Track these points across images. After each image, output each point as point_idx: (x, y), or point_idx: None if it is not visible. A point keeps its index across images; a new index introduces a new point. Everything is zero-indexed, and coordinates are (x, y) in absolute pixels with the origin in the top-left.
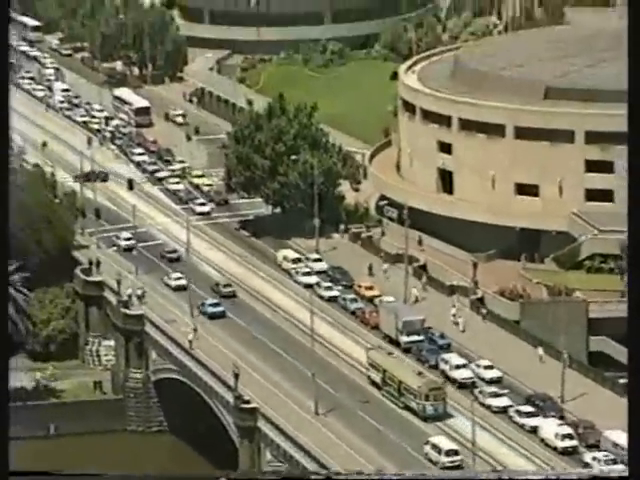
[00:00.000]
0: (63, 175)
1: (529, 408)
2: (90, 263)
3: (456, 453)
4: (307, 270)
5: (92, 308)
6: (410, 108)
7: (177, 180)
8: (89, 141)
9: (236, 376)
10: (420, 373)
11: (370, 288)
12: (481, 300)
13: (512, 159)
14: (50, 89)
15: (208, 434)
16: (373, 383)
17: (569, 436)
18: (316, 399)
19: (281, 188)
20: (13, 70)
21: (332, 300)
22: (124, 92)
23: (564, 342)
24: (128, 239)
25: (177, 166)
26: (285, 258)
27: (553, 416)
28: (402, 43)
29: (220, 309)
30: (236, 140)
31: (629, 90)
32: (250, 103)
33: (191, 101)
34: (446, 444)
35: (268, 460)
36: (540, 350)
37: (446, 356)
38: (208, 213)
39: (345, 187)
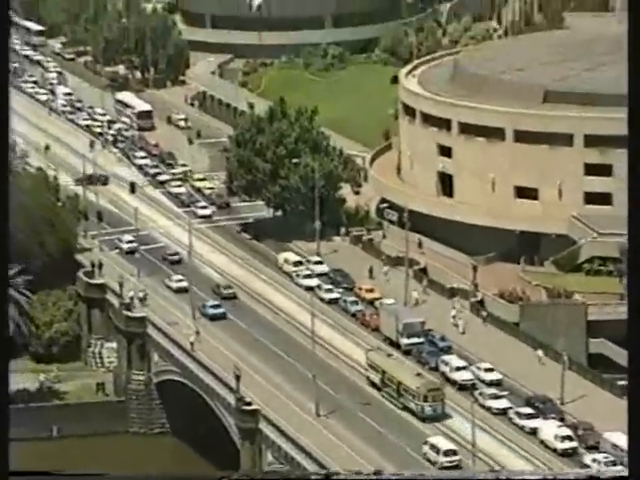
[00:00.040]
0: (66, 178)
1: (529, 410)
2: (92, 266)
3: (454, 453)
4: (308, 273)
5: (94, 310)
6: (410, 112)
7: (179, 183)
8: (92, 144)
9: (237, 378)
10: (419, 374)
11: (371, 291)
12: (481, 302)
13: (512, 162)
14: (53, 93)
15: (210, 436)
16: (372, 384)
17: (569, 438)
18: (317, 401)
19: (282, 191)
20: (17, 74)
21: (333, 302)
22: (126, 96)
23: (563, 344)
24: (130, 242)
25: (179, 169)
26: (286, 261)
27: (553, 418)
28: (402, 47)
29: (221, 310)
30: (237, 143)
31: (629, 93)
32: (251, 107)
33: (193, 105)
34: (444, 444)
35: (269, 461)
36: (540, 352)
37: (446, 358)
38: (210, 216)
39: (346, 190)
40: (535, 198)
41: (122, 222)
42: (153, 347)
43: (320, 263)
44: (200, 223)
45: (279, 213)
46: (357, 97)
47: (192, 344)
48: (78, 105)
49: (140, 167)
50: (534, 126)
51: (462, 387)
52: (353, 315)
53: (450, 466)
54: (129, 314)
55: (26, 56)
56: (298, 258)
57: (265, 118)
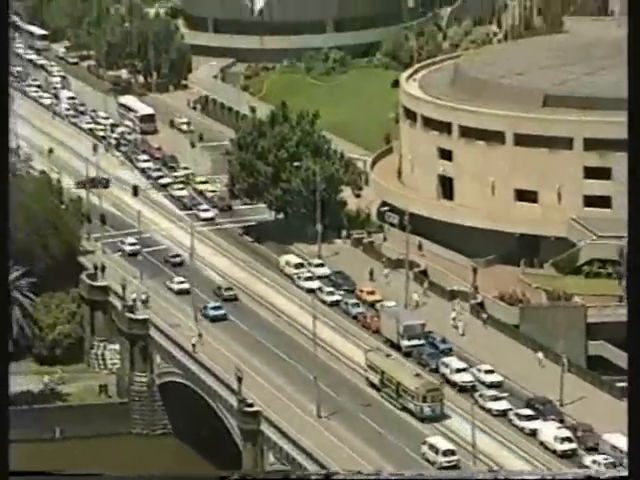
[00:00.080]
0: (69, 181)
1: (528, 411)
2: (95, 268)
3: (453, 453)
4: (309, 275)
5: (97, 312)
6: (411, 115)
7: (181, 186)
8: (95, 148)
9: (239, 380)
10: (418, 374)
11: (372, 293)
12: (481, 305)
13: (512, 166)
14: (57, 97)
15: (212, 437)
16: (372, 385)
17: (568, 439)
18: (318, 402)
19: (284, 194)
20: (21, 78)
21: (334, 305)
22: (129, 100)
23: (563, 346)
24: (133, 244)
25: (181, 172)
26: (288, 263)
27: (552, 419)
28: (403, 51)
29: (222, 312)
30: (239, 147)
31: (629, 97)
32: (253, 110)
33: (195, 108)
34: (443, 444)
35: (271, 462)
36: (540, 355)
37: (446, 360)
38: (212, 219)
39: (347, 193)
40: (535, 201)
41: (125, 225)
42: (155, 349)
43: (321, 265)
44: (202, 226)
45: (281, 216)
46: (358, 101)
47: (194, 346)
48: (81, 109)
49: (143, 170)
50: (534, 130)
51: (462, 389)
52: (354, 317)
53: (449, 466)
54: (132, 316)
55: (30, 60)
56: (299, 260)
57: (267, 122)
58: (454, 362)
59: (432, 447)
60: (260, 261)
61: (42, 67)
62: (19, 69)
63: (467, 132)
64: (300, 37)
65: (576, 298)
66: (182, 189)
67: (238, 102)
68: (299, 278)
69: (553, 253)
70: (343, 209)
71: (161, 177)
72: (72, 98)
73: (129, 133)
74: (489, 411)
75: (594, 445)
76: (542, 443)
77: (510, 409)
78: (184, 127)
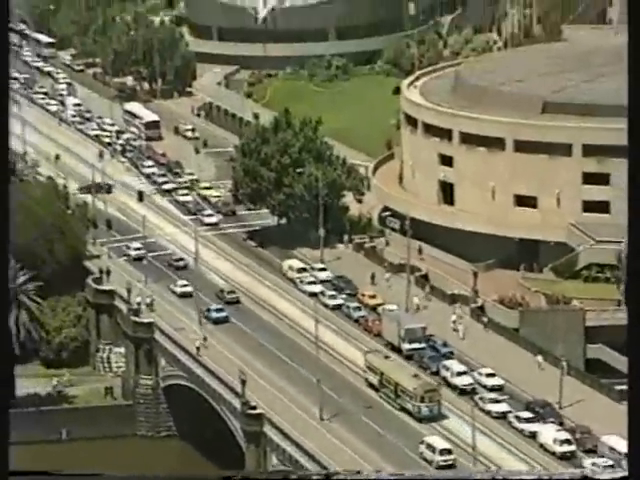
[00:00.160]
0: (75, 187)
1: (528, 414)
2: (101, 272)
3: (450, 452)
4: (312, 279)
5: (103, 316)
6: (412, 122)
7: (186, 192)
8: (101, 154)
9: (243, 382)
10: (416, 375)
11: (373, 297)
12: (481, 308)
13: (511, 172)
14: (63, 103)
15: (216, 439)
16: (371, 385)
17: (567, 441)
18: (321, 405)
19: (287, 199)
20: (28, 85)
21: (336, 308)
22: (134, 106)
23: (562, 349)
24: (138, 249)
25: (186, 178)
26: (290, 267)
27: (552, 422)
28: (404, 59)
29: (223, 314)
30: (243, 153)
31: (629, 103)
32: (257, 117)
33: (199, 115)
34: (440, 444)
35: (274, 464)
36: (540, 358)
37: (447, 363)
38: (216, 224)
39: (349, 198)
40: (534, 206)
41: (130, 229)
42: (160, 352)
43: (324, 270)
44: (206, 231)
45: (284, 221)
46: (360, 108)
47: (198, 349)
48: (87, 115)
49: (148, 176)
50: (533, 136)
51: (463, 392)
52: (356, 321)
53: (445, 465)
54: (137, 320)
55: (37, 68)
56: (302, 265)
57: (270, 128)
58: (455, 365)
59: (429, 446)
60: (263, 265)
61: (49, 74)
62: (26, 76)
63: (467, 138)
64: (303, 45)
65: (575, 302)
66: (186, 194)
67: (242, 109)
68: (302, 282)
69: (552, 257)
70: (345, 214)
71: (166, 183)
72: (78, 105)
73: (134, 139)
74: (489, 413)
75: (593, 447)
76: (541, 445)
77: (510, 411)
78: (189, 133)
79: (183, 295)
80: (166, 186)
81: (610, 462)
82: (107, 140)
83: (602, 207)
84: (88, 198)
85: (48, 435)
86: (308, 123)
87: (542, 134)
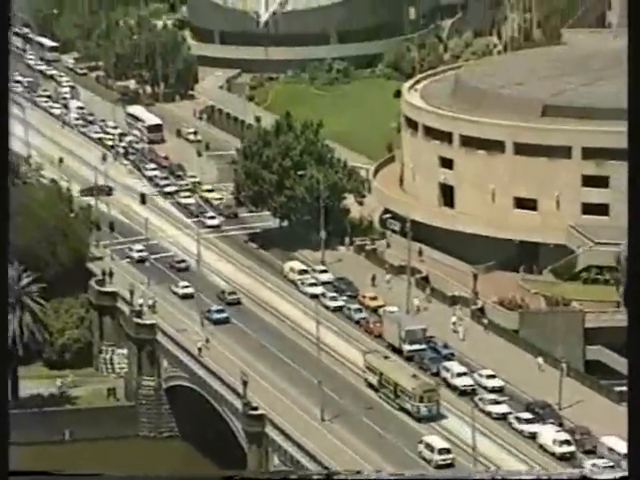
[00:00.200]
0: (79, 190)
1: (528, 415)
2: (104, 274)
3: (448, 451)
4: (313, 281)
5: (106, 318)
6: (413, 125)
7: (188, 194)
8: (104, 157)
9: (245, 383)
10: (414, 375)
11: (374, 298)
12: (481, 310)
13: (511, 174)
14: (66, 107)
15: (217, 439)
16: (370, 386)
17: (567, 442)
18: (322, 406)
19: (288, 202)
20: (31, 89)
21: (337, 310)
22: (137, 109)
23: (562, 351)
24: (140, 251)
25: (188, 181)
26: (292, 269)
27: (552, 423)
28: (405, 62)
29: (224, 315)
30: (245, 156)
31: (629, 107)
32: (258, 120)
33: (201, 118)
34: (439, 443)
35: (275, 464)
36: (540, 359)
37: (447, 364)
38: (218, 226)
39: (350, 201)
40: (534, 209)
41: (133, 232)
42: (162, 353)
43: (325, 272)
44: (208, 233)
45: (285, 223)
46: (361, 111)
47: (200, 350)
48: (90, 118)
49: (150, 179)
50: (533, 139)
51: (463, 393)
52: (357, 322)
53: (444, 464)
54: (139, 321)
55: (40, 71)
56: (303, 267)
57: (272, 131)
58: (455, 366)
59: (428, 446)
60: (265, 267)
61: (52, 78)
62: (30, 80)
63: (468, 141)
64: (304, 48)
65: (574, 303)
66: (189, 197)
67: (243, 112)
68: (303, 284)
69: (552, 259)
70: (346, 216)
71: (168, 185)
72: (81, 108)
73: (137, 142)
74: (489, 414)
75: (592, 448)
76: (541, 446)
77: (510, 412)
78: (191, 136)
79: (185, 296)
80: (168, 189)
81: (610, 463)
82: (110, 143)
83: (601, 209)
84: (91, 201)
85: (51, 436)
86: (309, 126)
87: (542, 137)
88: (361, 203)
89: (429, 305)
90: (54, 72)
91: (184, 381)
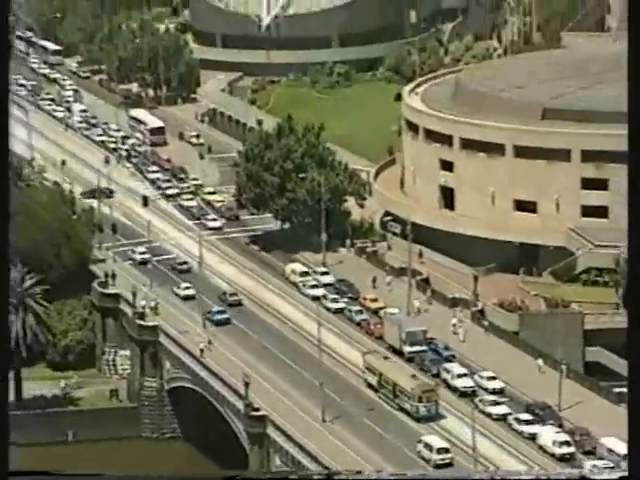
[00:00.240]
0: (80, 192)
1: (527, 416)
2: (106, 276)
3: (447, 451)
4: (314, 283)
5: (108, 319)
6: (413, 128)
7: (190, 197)
8: (106, 159)
9: (246, 385)
10: (413, 376)
11: (375, 300)
12: (482, 312)
13: (511, 177)
14: (69, 110)
15: (220, 440)
16: (370, 386)
17: (566, 443)
18: (323, 407)
19: (290, 204)
20: (35, 92)
21: (338, 312)
22: (140, 112)
23: (561, 352)
24: (143, 253)
25: (190, 183)
26: (293, 271)
27: (551, 424)
28: (406, 66)
29: (225, 316)
30: (247, 158)
31: (629, 110)
32: (260, 123)
33: (203, 121)
34: (437, 442)
35: (277, 465)
36: (540, 361)
37: (448, 366)
38: (220, 228)
39: (351, 203)
40: (534, 211)
41: (135, 234)
42: (165, 355)
43: (326, 274)
44: (210, 235)
45: (287, 225)
46: (362, 114)
47: (202, 351)
48: (93, 121)
49: (153, 181)
50: (533, 142)
51: (463, 394)
52: (358, 324)
53: (443, 463)
54: (142, 323)
55: (44, 75)
56: (305, 269)
57: (273, 134)
58: (455, 368)
59: (427, 445)
60: (266, 269)
61: (55, 81)
62: (33, 83)
63: (468, 144)
64: (306, 52)
65: (574, 305)
66: (191, 199)
67: (245, 115)
68: (304, 286)
69: (551, 262)
70: (347, 219)
71: (170, 188)
72: (84, 111)
73: (139, 145)
74: (489, 415)
75: (591, 449)
76: (541, 447)
77: (509, 413)
78: (193, 139)
79: (186, 298)
80: (170, 191)
81: (610, 464)
82: (113, 146)
83: (601, 212)
84: (94, 203)
85: (54, 437)
86: (311, 129)
87: (541, 140)
88: (362, 205)
89: (429, 307)
90: (57, 75)
91: (186, 382)
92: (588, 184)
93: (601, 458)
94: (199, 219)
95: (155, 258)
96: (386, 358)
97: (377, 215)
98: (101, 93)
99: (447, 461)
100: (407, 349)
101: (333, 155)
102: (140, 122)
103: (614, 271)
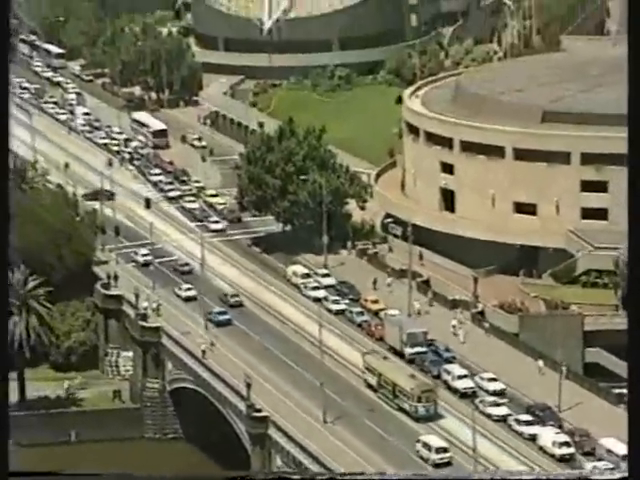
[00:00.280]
0: (82, 194)
1: (527, 417)
2: (109, 278)
3: (445, 450)
4: (316, 285)
5: (111, 321)
6: (414, 131)
7: (192, 199)
8: (109, 162)
9: (248, 386)
10: (413, 376)
11: (376, 302)
12: (482, 313)
13: (511, 179)
14: (72, 113)
15: (221, 441)
16: (369, 386)
17: (566, 444)
18: (324, 408)
19: (291, 206)
20: (38, 95)
21: (339, 313)
22: (142, 115)
23: (561, 354)
24: (145, 255)
25: (192, 186)
26: (295, 273)
27: (551, 425)
28: (406, 69)
29: (226, 317)
30: (248, 161)
31: (628, 112)
32: (261, 126)
33: (205, 124)
34: (436, 442)
35: (279, 466)
36: (540, 362)
37: (448, 367)
38: (222, 230)
39: (352, 206)
40: (534, 213)
41: (138, 236)
42: (167, 356)
43: (327, 275)
44: (212, 237)
45: (288, 227)
46: (363, 117)
47: (204, 352)
48: (96, 124)
49: (155, 184)
50: (533, 144)
51: (463, 395)
52: (359, 325)
53: (442, 463)
54: (144, 324)
55: (47, 78)
56: (306, 271)
57: (275, 137)
58: (456, 369)
59: (426, 445)
60: (268, 271)
61: (58, 84)
62: (37, 86)
63: (468, 147)
64: (307, 55)
65: (573, 307)
66: (193, 202)
67: (247, 118)
68: (306, 287)
69: (551, 263)
70: (348, 221)
71: (173, 190)
72: (87, 114)
73: (142, 148)
74: (489, 416)
75: (591, 450)
76: (541, 448)
77: (510, 414)
78: (195, 142)
79: (188, 299)
80: (173, 193)
81: (610, 465)
82: (115, 148)
83: (600, 214)
84: (96, 205)
85: (57, 437)
86: (312, 132)
87: (541, 143)
88: (363, 208)
89: (430, 308)
90: (60, 79)
91: (188, 383)
92: (588, 186)
93: (600, 459)
94: (201, 221)
95: (157, 260)
96: (385, 358)
97: (378, 217)
98: (104, 96)
99: (446, 460)
100: (408, 350)
101: (334, 158)
102: (143, 125)
103: (614, 273)
